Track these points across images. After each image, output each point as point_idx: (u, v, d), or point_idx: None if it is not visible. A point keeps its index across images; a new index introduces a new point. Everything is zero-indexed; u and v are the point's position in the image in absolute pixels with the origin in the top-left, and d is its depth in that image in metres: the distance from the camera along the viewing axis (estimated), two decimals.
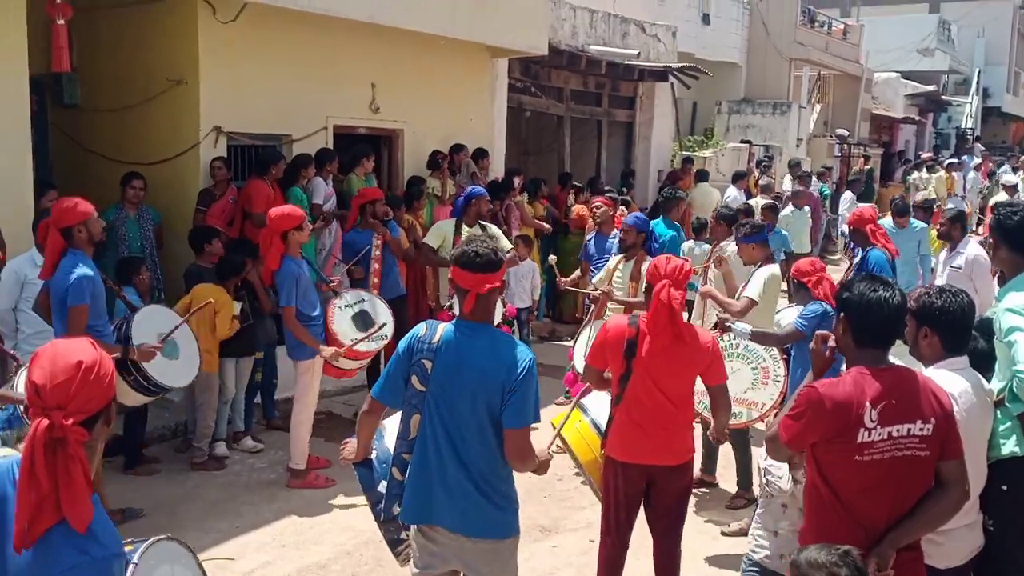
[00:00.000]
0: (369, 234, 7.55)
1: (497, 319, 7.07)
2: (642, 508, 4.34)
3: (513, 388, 3.16)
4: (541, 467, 3.42)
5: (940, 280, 6.78)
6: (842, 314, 3.06)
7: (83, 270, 4.81)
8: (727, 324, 5.61)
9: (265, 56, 8.28)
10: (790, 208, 12.55)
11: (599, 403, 4.51)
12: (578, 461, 4.57)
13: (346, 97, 9.24)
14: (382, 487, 3.52)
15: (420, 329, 3.36)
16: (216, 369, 6.56)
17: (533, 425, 3.25)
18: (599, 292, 6.88)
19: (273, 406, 7.48)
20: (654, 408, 4.13)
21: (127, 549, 2.47)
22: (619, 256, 7.02)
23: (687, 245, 9.02)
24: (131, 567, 2.45)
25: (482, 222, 7.84)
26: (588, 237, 8.56)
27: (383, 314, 6.59)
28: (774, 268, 6.31)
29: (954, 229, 7.68)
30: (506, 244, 7.75)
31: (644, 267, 6.55)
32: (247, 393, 7.04)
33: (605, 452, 4.31)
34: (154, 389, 5.38)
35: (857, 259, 7.33)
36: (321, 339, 6.17)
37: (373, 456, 3.61)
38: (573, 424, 4.50)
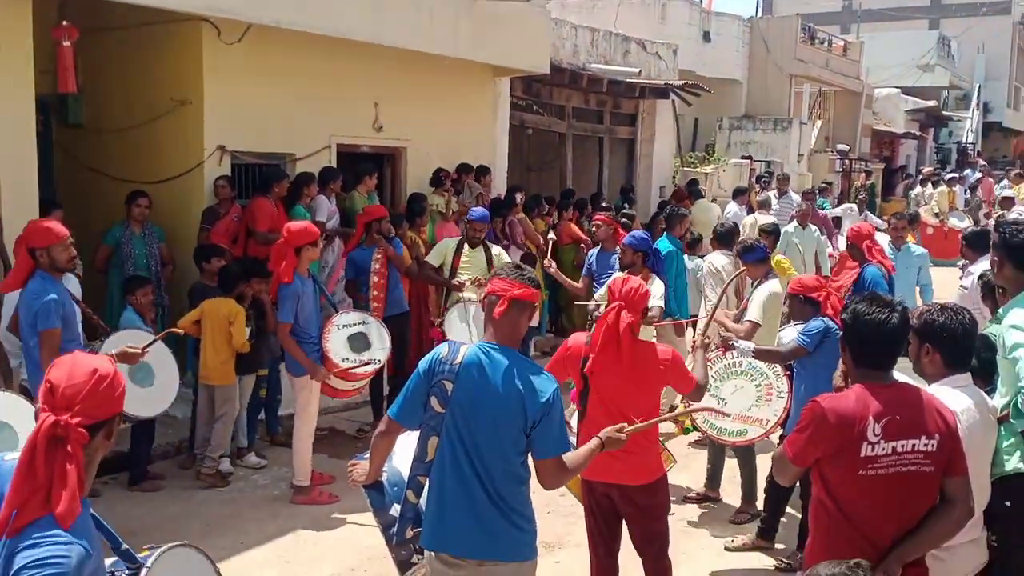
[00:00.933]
0: (368, 251, 7.59)
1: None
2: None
3: (537, 419, 3.14)
4: (611, 443, 3.31)
5: (951, 299, 6.71)
6: (842, 334, 3.10)
7: (50, 295, 4.84)
8: (730, 343, 5.63)
9: (269, 76, 8.34)
10: (792, 226, 11.16)
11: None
12: None
13: (349, 116, 9.30)
14: (395, 510, 3.47)
15: (442, 349, 3.32)
16: (234, 381, 6.59)
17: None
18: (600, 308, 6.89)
19: (277, 422, 7.49)
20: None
21: (143, 554, 2.52)
22: (620, 274, 7.04)
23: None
24: (144, 571, 2.48)
25: (486, 242, 7.90)
26: (590, 253, 8.59)
27: (380, 340, 6.52)
28: (773, 285, 6.34)
29: (967, 249, 7.51)
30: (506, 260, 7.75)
31: (652, 286, 6.58)
32: (251, 409, 7.07)
33: None
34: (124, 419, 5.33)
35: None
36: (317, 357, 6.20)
37: (384, 478, 3.56)
38: None
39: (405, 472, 3.45)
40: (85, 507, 2.12)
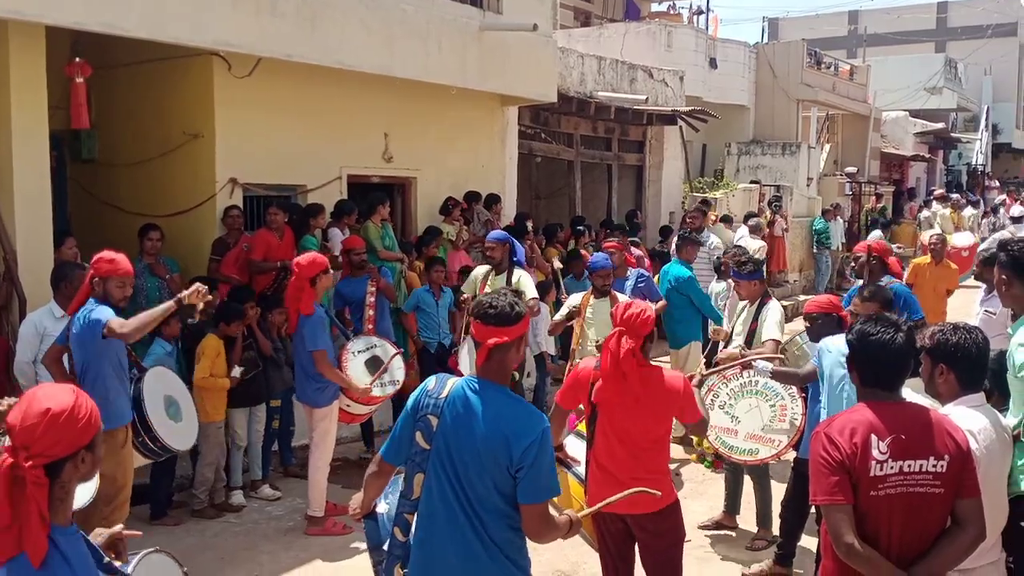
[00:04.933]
0: (359, 281, 7.62)
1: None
2: None
3: (522, 462, 3.00)
4: (573, 528, 3.28)
5: (974, 324, 6.57)
6: (848, 355, 3.11)
7: (102, 307, 4.84)
8: (748, 360, 5.61)
9: (279, 108, 8.43)
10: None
11: (581, 453, 4.44)
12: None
13: (359, 147, 9.39)
14: (387, 545, 3.34)
15: (430, 383, 3.22)
16: (215, 419, 6.55)
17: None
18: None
19: (291, 453, 7.49)
20: (623, 455, 4.02)
21: (118, 564, 2.55)
22: (585, 293, 7.06)
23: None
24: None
25: (516, 269, 7.54)
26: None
27: (396, 361, 6.73)
28: (778, 304, 6.40)
29: (987, 271, 7.40)
30: (529, 293, 7.27)
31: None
32: (265, 441, 7.07)
33: (587, 501, 4.22)
34: (159, 451, 5.43)
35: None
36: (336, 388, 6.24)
37: (384, 510, 3.44)
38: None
39: None
40: (70, 534, 2.15)
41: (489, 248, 7.56)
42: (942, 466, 2.89)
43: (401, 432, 3.22)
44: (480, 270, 7.78)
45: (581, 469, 4.41)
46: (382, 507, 3.44)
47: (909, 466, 2.87)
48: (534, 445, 2.99)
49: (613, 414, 4.03)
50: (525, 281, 7.35)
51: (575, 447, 4.62)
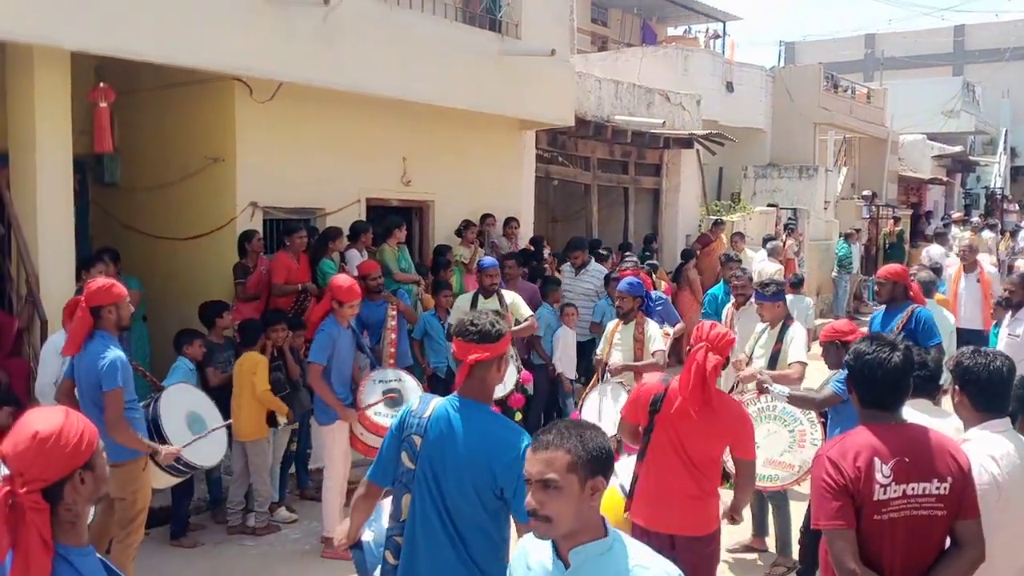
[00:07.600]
0: (376, 305, 7.61)
1: (510, 386, 7.04)
2: None
3: (507, 479, 2.99)
4: None
5: (1000, 348, 6.43)
6: (847, 375, 3.11)
7: (115, 353, 4.77)
8: (765, 386, 5.58)
9: (300, 133, 8.50)
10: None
11: (625, 467, 4.49)
12: None
13: (378, 170, 9.44)
14: (378, 573, 3.32)
15: (414, 403, 3.27)
16: (266, 434, 6.62)
17: None
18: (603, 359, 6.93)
19: (307, 476, 7.48)
20: (677, 473, 4.07)
21: None
22: (616, 321, 7.06)
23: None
24: None
25: (504, 291, 7.75)
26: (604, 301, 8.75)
27: (413, 393, 6.60)
28: (801, 327, 6.36)
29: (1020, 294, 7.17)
30: (524, 312, 7.65)
31: (646, 328, 6.73)
32: (282, 463, 7.07)
33: (629, 515, 4.26)
34: (185, 470, 5.46)
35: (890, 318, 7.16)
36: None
37: (370, 538, 3.43)
38: None
39: None
40: (87, 555, 2.13)
41: (491, 275, 7.70)
42: (945, 488, 2.88)
43: (387, 452, 3.25)
44: (466, 297, 7.86)
45: (626, 482, 4.41)
46: (367, 535, 3.43)
47: (913, 489, 2.86)
48: (516, 461, 2.93)
49: (678, 430, 4.08)
50: (518, 302, 7.72)
51: (622, 464, 4.60)
